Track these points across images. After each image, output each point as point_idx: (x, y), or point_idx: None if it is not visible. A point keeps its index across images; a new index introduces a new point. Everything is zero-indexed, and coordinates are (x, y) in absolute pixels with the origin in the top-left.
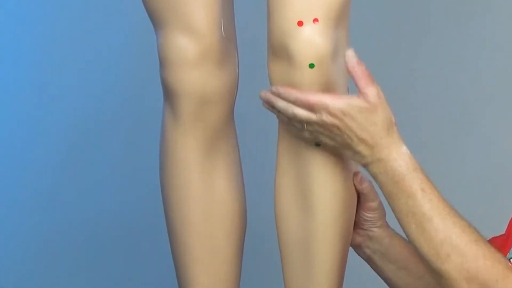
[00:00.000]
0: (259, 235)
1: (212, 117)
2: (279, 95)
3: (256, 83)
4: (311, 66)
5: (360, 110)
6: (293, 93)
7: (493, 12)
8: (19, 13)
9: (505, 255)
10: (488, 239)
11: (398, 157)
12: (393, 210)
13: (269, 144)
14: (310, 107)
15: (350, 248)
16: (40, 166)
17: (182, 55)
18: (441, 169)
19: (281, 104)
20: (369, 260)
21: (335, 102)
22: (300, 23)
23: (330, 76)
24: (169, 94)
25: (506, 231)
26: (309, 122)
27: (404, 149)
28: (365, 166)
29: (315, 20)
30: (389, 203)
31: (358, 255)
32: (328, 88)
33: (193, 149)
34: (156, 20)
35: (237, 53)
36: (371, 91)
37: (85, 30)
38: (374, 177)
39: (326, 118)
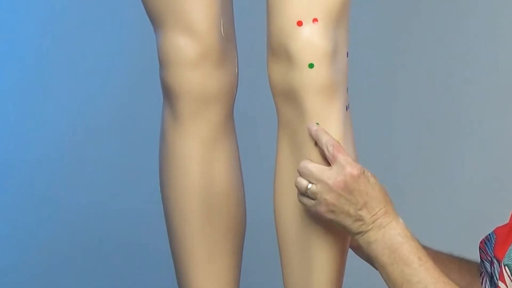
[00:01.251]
0: (259, 235)
1: (212, 117)
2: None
3: (256, 83)
4: (311, 66)
5: (372, 175)
6: (322, 134)
7: (493, 12)
8: (19, 14)
9: (509, 244)
10: (493, 229)
11: (398, 226)
12: (387, 279)
13: (269, 144)
14: (331, 157)
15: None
16: (39, 166)
17: (181, 56)
18: (440, 167)
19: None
20: (369, 260)
21: (353, 164)
22: (299, 23)
23: (330, 76)
24: (168, 94)
25: (510, 220)
26: (319, 179)
27: (401, 220)
28: (362, 233)
29: (315, 20)
30: (382, 272)
31: (358, 256)
32: (327, 88)
33: (193, 149)
34: (155, 21)
35: (237, 53)
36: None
37: (84, 30)
38: (368, 246)
39: (345, 175)
